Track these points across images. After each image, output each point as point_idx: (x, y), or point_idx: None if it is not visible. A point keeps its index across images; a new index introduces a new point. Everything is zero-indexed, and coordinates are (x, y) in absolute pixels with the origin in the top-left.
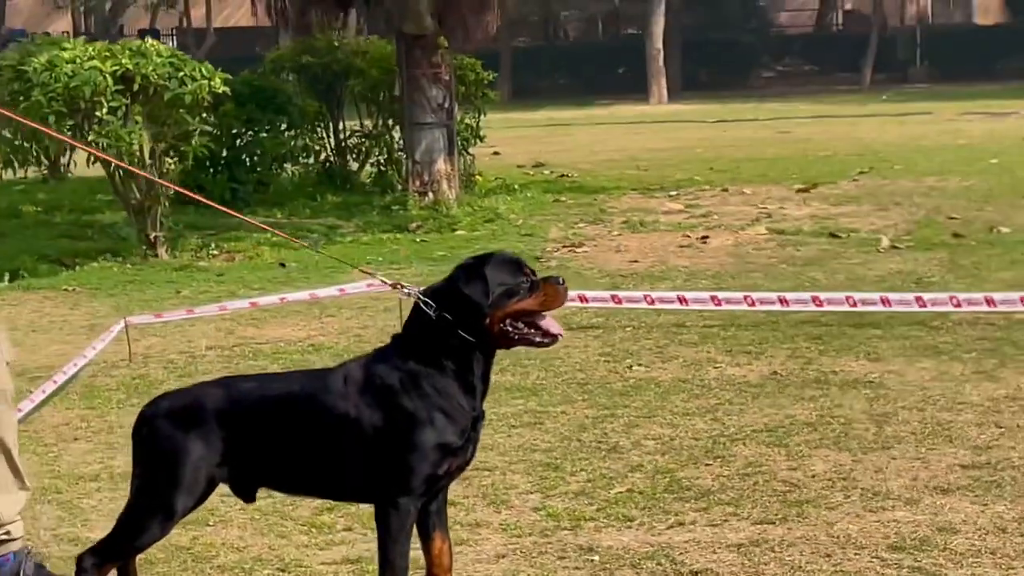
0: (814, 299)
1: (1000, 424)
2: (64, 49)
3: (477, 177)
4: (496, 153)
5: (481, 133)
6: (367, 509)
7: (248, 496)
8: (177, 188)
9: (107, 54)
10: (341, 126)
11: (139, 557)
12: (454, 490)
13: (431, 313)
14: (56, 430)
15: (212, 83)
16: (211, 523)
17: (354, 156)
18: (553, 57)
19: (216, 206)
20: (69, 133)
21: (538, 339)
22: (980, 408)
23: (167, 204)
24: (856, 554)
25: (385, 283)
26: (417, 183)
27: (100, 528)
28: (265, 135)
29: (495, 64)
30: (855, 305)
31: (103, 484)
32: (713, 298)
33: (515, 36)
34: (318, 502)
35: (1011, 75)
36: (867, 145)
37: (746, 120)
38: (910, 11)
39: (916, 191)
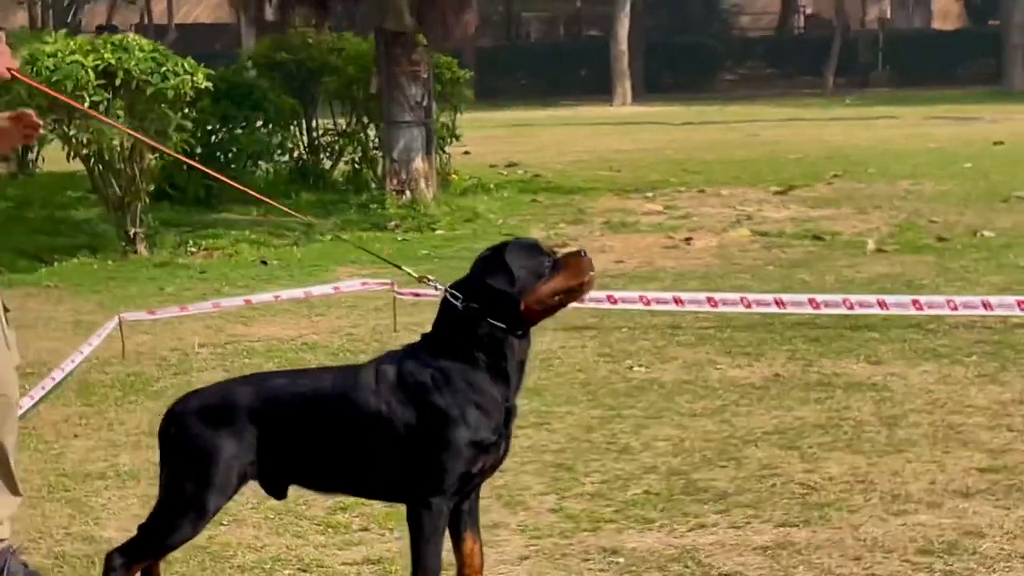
0: (811, 301)
1: (1012, 428)
2: (46, 43)
3: (453, 176)
4: (466, 152)
5: (457, 132)
6: (382, 508)
7: (279, 494)
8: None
9: (89, 48)
10: (314, 124)
11: None
12: None
13: (459, 305)
14: (55, 427)
15: (195, 78)
16: (225, 522)
17: (327, 154)
18: (515, 58)
19: (258, 196)
20: (52, 127)
21: (574, 300)
22: (989, 412)
23: (147, 200)
24: (885, 557)
25: (412, 276)
26: (395, 181)
27: (113, 527)
28: (240, 132)
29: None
30: (852, 308)
31: (110, 482)
32: (709, 299)
33: (478, 36)
34: (331, 501)
35: (971, 80)
36: (837, 148)
37: (712, 122)
38: (870, 15)
39: (893, 195)
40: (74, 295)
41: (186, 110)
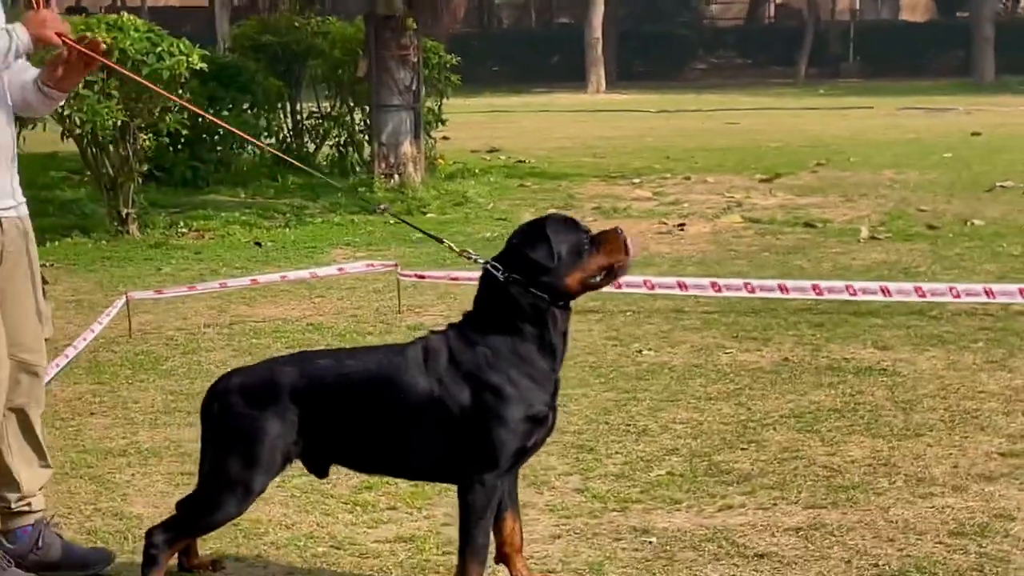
0: (814, 287)
1: None
2: None
3: (439, 161)
4: (445, 138)
5: (443, 117)
6: (408, 488)
7: (321, 472)
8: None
9: (84, 28)
10: (299, 107)
11: None
12: None
13: (501, 277)
14: (70, 405)
15: (190, 59)
16: None
17: (311, 137)
18: (487, 44)
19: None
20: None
21: (613, 279)
22: (1002, 397)
23: (139, 181)
24: (918, 539)
25: (454, 250)
26: (383, 165)
27: (140, 503)
28: (227, 114)
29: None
30: (855, 294)
31: (132, 459)
32: (713, 284)
33: (451, 22)
34: (356, 480)
35: (941, 72)
36: (816, 137)
37: (688, 111)
38: (840, 6)
39: (879, 183)
40: (71, 275)
41: (181, 91)
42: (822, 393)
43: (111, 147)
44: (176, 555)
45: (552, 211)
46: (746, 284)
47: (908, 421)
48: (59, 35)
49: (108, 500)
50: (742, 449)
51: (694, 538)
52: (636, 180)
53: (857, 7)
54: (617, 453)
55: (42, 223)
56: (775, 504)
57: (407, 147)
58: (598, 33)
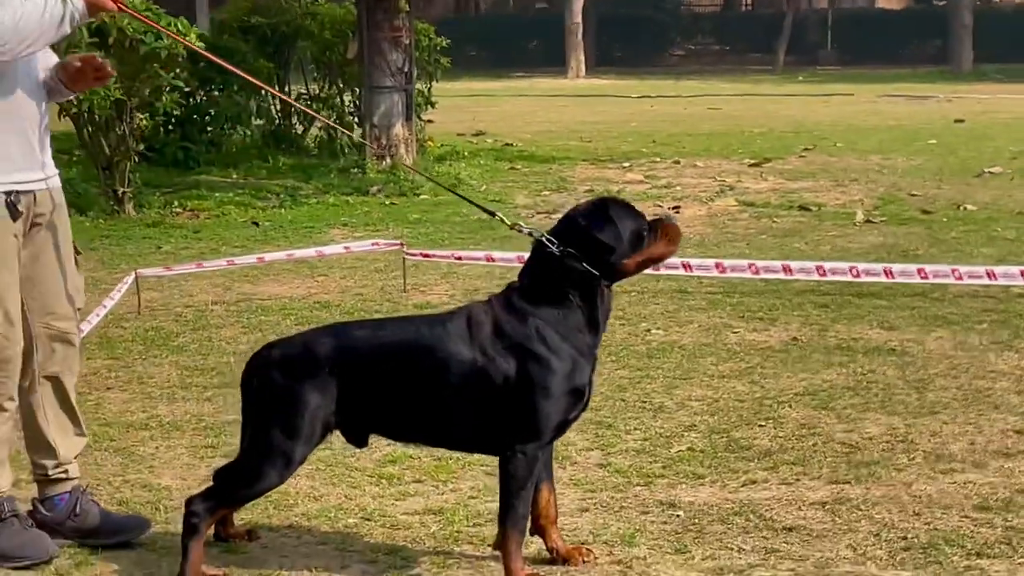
0: (818, 268)
1: None
2: None
3: (429, 143)
4: (430, 121)
5: (432, 99)
6: (431, 462)
7: (361, 442)
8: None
9: None
10: (287, 88)
11: None
12: None
13: (555, 250)
14: (86, 380)
15: (188, 38)
16: None
17: (300, 119)
18: (465, 29)
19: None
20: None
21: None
22: (1012, 377)
23: (135, 160)
24: (944, 513)
25: (506, 223)
26: (375, 147)
27: (168, 475)
28: (219, 94)
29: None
30: (858, 275)
31: (154, 432)
32: (718, 265)
33: (428, 6)
34: (379, 454)
35: (918, 60)
36: (799, 123)
37: (669, 96)
38: None
39: (867, 168)
40: None
41: (178, 70)
42: (833, 372)
43: (107, 126)
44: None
45: (605, 194)
46: (750, 265)
47: (922, 399)
48: (116, 1)
49: (135, 472)
50: (760, 426)
51: (721, 512)
52: (626, 164)
53: None
54: (636, 429)
55: None
56: (798, 479)
57: (399, 129)
58: (578, 18)
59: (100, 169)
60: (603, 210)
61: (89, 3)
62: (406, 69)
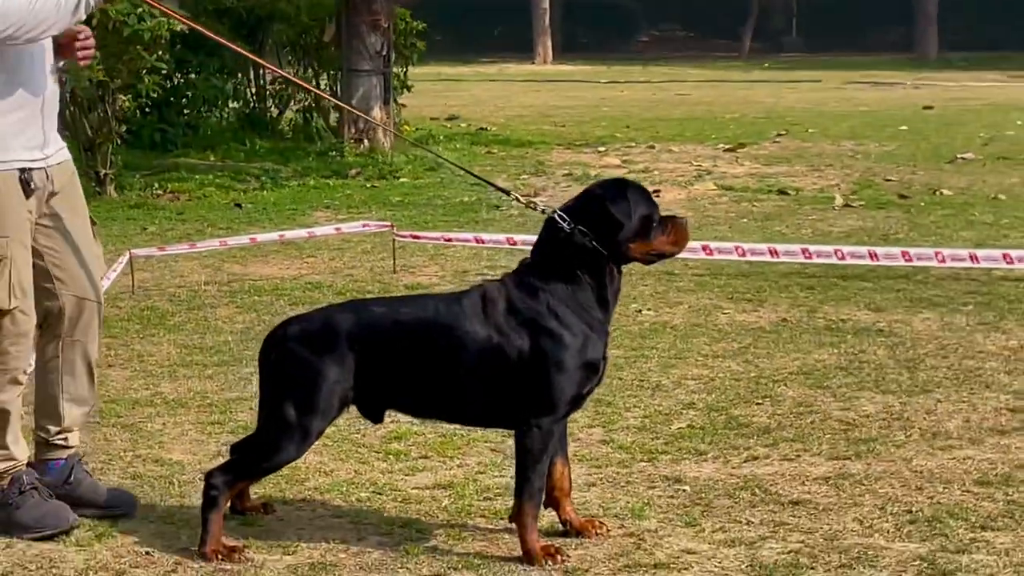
0: (803, 251)
1: None
2: None
3: (404, 127)
4: (403, 105)
5: (408, 83)
6: (436, 438)
7: (377, 417)
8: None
9: None
10: (262, 71)
11: None
12: None
13: (566, 227)
14: None
15: (171, 21)
16: None
17: (276, 102)
18: (430, 14)
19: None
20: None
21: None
22: (1001, 357)
23: (117, 141)
24: (945, 488)
25: (519, 200)
26: (353, 130)
27: (178, 451)
28: (196, 77)
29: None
30: (843, 258)
31: (160, 409)
32: (704, 247)
33: None
34: (384, 431)
35: (882, 47)
36: (770, 109)
37: (638, 82)
38: None
39: (841, 153)
40: None
41: (161, 52)
42: (825, 352)
43: (89, 108)
44: None
45: (622, 178)
46: (737, 247)
47: (914, 379)
48: None
49: (145, 447)
50: (757, 404)
51: (726, 486)
52: (601, 148)
53: None
54: (635, 407)
55: None
56: (799, 455)
57: (377, 112)
58: (546, 3)
59: (82, 151)
60: (621, 188)
61: None
62: (384, 52)
